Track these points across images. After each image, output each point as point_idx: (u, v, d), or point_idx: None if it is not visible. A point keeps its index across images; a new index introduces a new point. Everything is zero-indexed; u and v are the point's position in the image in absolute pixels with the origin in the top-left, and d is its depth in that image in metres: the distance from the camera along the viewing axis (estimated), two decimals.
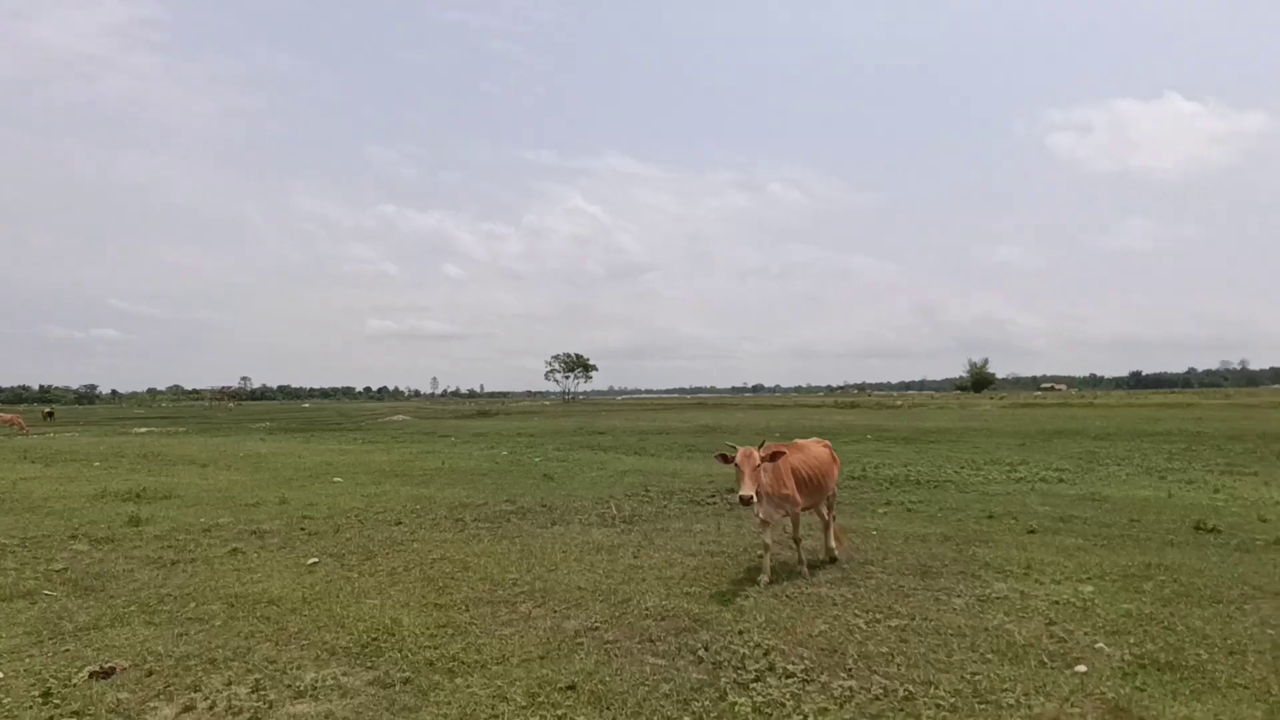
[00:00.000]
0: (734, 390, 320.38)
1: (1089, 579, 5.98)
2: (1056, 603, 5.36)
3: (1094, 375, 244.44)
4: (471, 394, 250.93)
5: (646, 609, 5.32)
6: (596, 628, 4.94)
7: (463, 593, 5.86)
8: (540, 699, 3.81)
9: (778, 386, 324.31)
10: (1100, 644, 4.50)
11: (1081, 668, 4.11)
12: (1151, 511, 9.04)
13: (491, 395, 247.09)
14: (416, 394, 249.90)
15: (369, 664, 4.34)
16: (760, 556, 6.27)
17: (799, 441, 6.84)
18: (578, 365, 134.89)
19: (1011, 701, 3.73)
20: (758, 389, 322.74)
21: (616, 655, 4.41)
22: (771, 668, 4.19)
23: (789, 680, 4.01)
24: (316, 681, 4.09)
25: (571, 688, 3.94)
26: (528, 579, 6.22)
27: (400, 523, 9.08)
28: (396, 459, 17.96)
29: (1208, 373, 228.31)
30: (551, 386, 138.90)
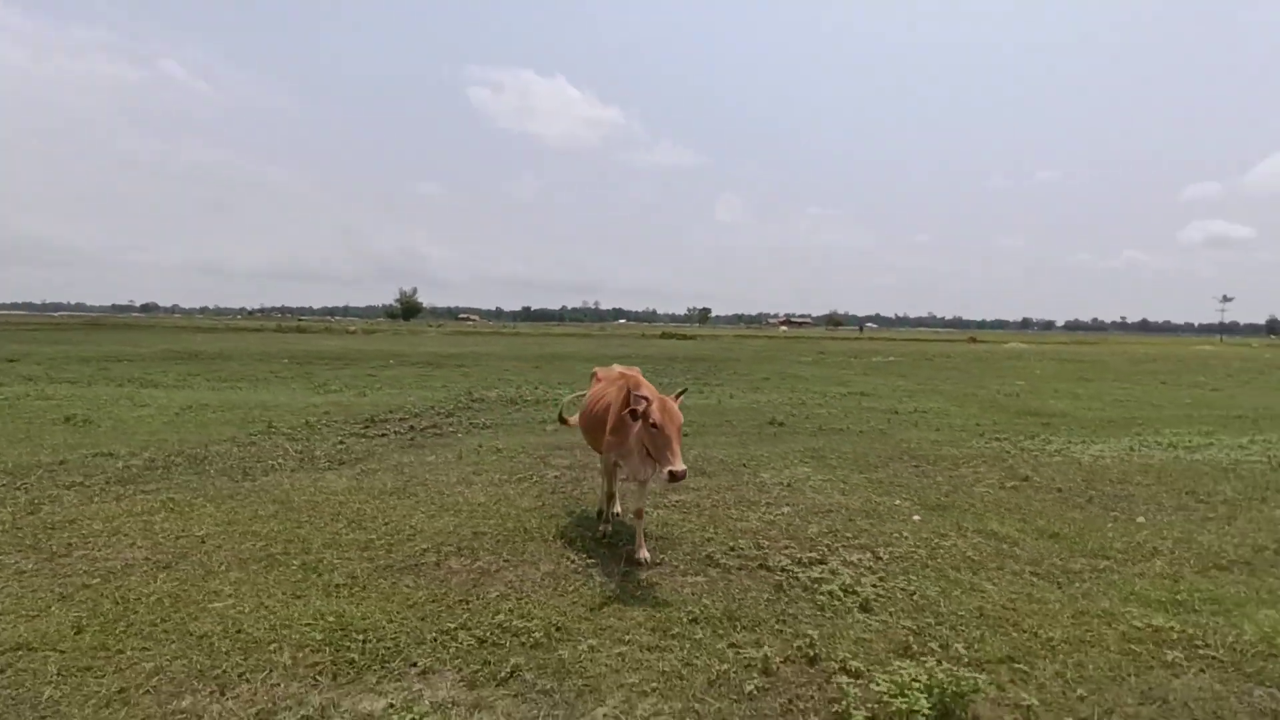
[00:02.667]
0: (116, 309, 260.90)
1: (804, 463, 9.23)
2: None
3: (499, 309, 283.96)
4: None
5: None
6: None
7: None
8: None
9: (176, 306, 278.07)
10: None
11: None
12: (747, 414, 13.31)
13: None
14: None
15: None
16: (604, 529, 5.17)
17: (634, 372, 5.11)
18: None
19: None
20: (149, 308, 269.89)
21: None
22: None
23: None
24: None
25: None
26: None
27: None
28: None
29: (574, 310, 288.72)
30: None
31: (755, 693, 3.04)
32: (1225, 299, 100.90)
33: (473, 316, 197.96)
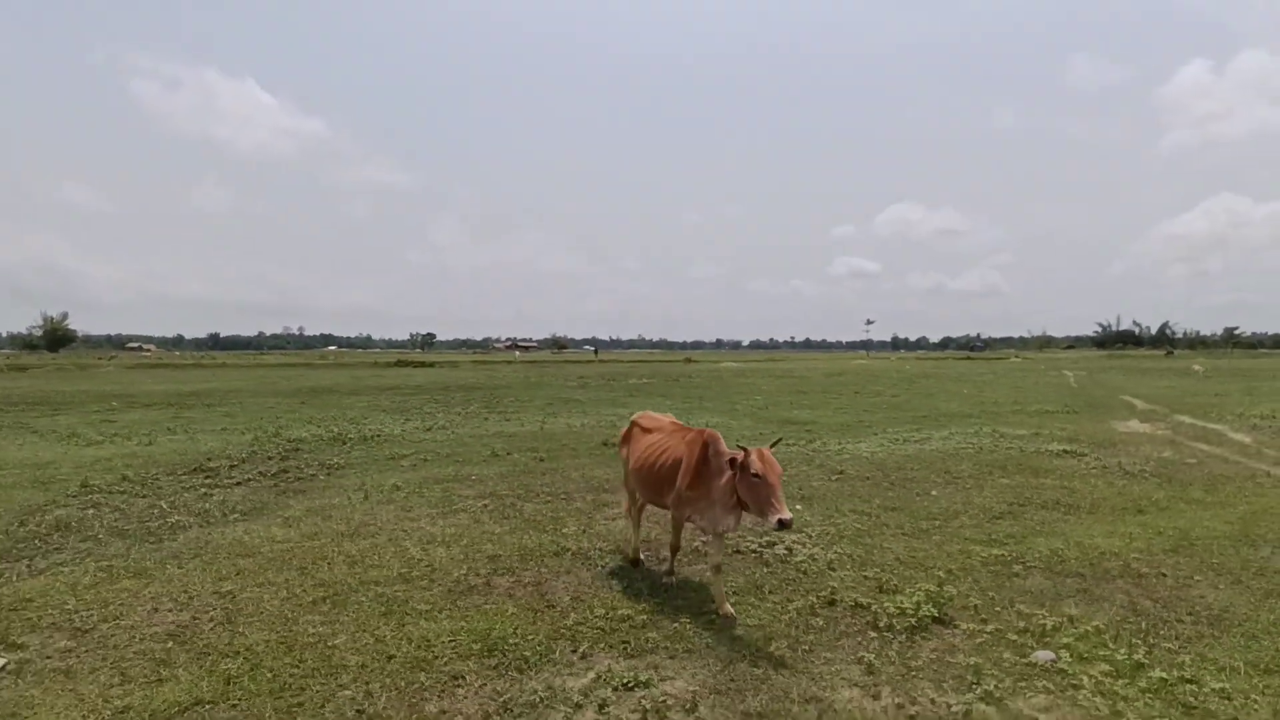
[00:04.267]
0: None
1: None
2: None
3: (180, 335, 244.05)
4: None
5: None
6: None
7: None
8: None
9: None
10: None
11: None
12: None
13: None
14: None
15: None
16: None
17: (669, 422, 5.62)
18: None
19: None
20: None
21: None
22: None
23: None
24: None
25: None
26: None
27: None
28: None
29: (274, 336, 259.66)
30: None
31: (821, 623, 4.40)
32: (869, 321, 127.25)
33: (148, 346, 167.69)
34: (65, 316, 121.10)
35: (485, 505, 7.53)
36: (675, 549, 5.16)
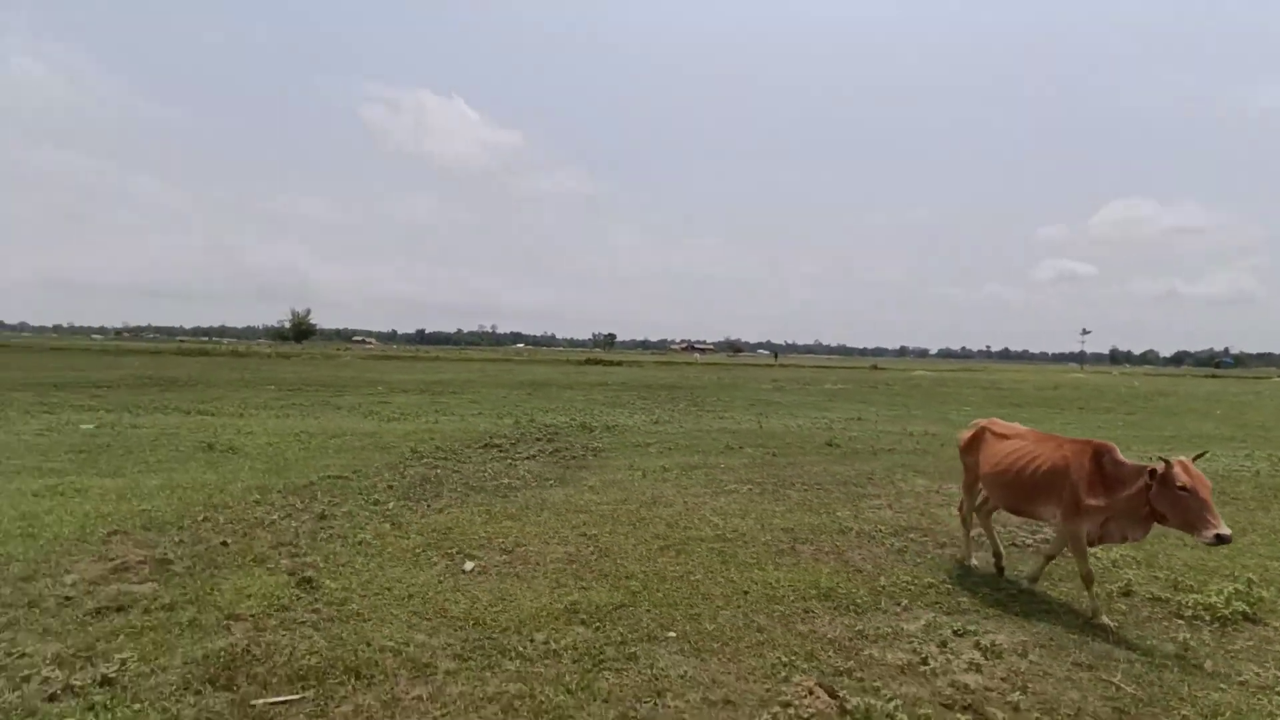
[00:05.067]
0: None
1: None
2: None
3: (394, 330, 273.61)
4: None
5: None
6: None
7: None
8: None
9: (24, 324, 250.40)
10: None
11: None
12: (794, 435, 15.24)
13: None
14: None
15: None
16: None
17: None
18: None
19: None
20: None
21: None
22: None
23: None
24: None
25: None
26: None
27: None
28: None
29: (470, 334, 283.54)
30: None
31: (1124, 608, 4.83)
32: (1085, 331, 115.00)
33: (369, 339, 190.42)
34: (308, 313, 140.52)
35: (750, 490, 8.49)
36: (1087, 577, 4.70)
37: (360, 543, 5.75)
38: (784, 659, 3.89)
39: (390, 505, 7.08)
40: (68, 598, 4.38)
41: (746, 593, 4.90)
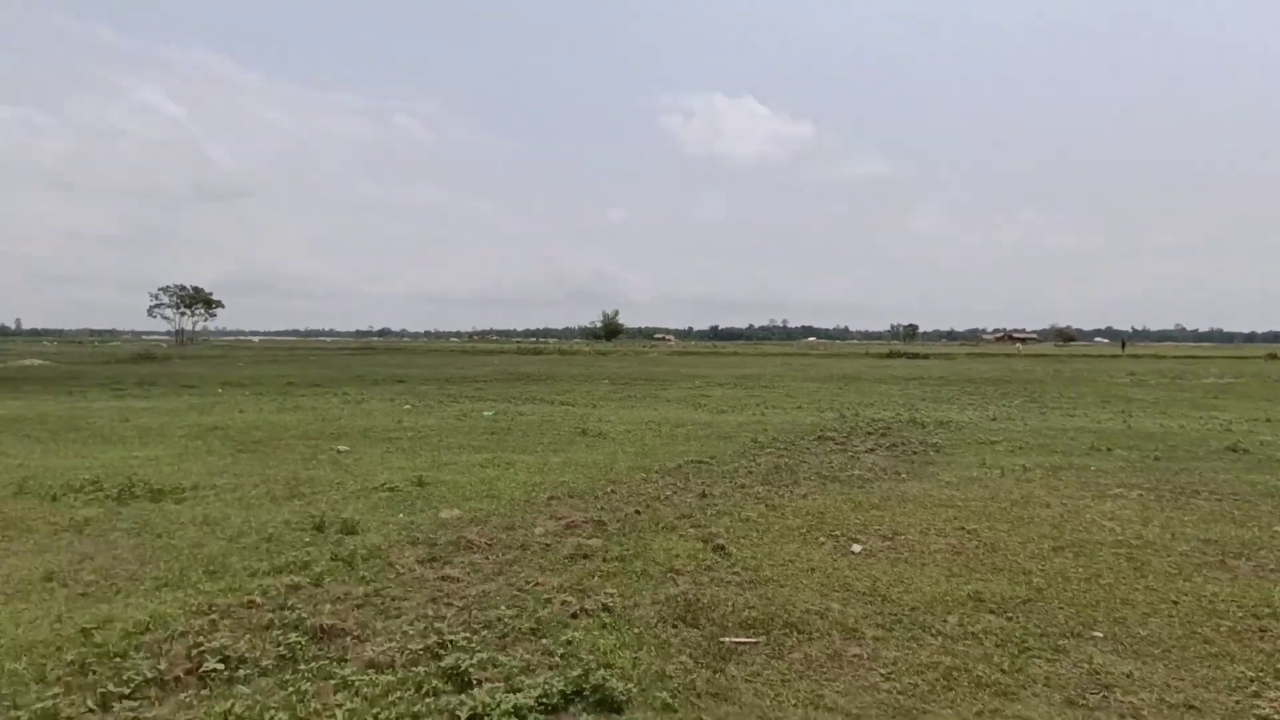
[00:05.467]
0: (358, 334, 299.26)
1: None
2: None
3: (690, 327, 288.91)
4: (3, 331, 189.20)
5: None
6: None
7: None
8: None
9: (405, 330, 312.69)
10: None
11: None
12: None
13: (35, 333, 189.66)
14: None
15: None
16: None
17: None
18: (196, 301, 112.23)
19: None
20: (384, 333, 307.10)
21: None
22: None
23: None
24: None
25: None
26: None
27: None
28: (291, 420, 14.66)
29: (761, 328, 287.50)
30: (159, 325, 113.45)
31: None
32: None
33: (668, 336, 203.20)
34: (616, 313, 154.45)
35: (1141, 495, 7.59)
36: None
37: (746, 520, 6.42)
38: (1249, 673, 3.56)
39: (756, 489, 7.73)
40: (546, 545, 5.63)
41: (1176, 603, 4.51)
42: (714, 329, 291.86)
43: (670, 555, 5.35)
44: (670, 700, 3.27)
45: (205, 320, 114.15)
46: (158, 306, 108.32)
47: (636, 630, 4.02)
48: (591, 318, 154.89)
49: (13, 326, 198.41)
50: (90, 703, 3.19)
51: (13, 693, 3.29)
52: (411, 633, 3.93)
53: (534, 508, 6.86)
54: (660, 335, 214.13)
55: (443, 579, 4.85)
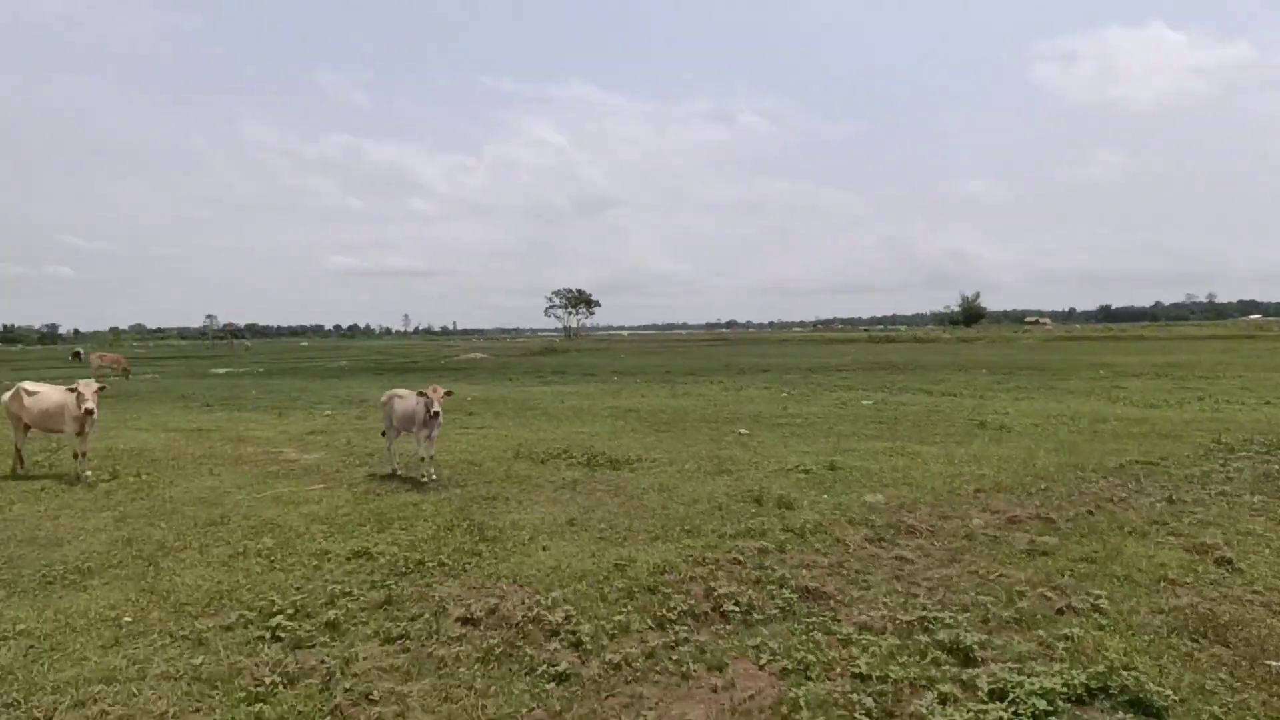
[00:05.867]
0: (707, 326, 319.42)
1: None
2: None
3: (1071, 309, 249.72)
4: (445, 331, 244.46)
5: None
6: None
7: None
8: None
9: (749, 322, 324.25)
10: None
11: None
12: None
13: (466, 332, 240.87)
14: (388, 332, 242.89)
15: None
16: None
17: None
18: (580, 301, 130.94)
19: None
20: (731, 324, 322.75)
21: None
22: None
23: None
24: None
25: None
26: None
27: None
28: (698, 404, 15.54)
29: (1174, 306, 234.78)
30: (550, 323, 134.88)
31: None
32: None
33: (1043, 319, 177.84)
34: (977, 296, 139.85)
35: None
36: None
37: (1248, 533, 5.42)
38: None
39: (1246, 498, 6.45)
40: (993, 537, 5.45)
41: None
42: (1104, 309, 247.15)
43: (1154, 563, 4.77)
44: (1221, 716, 2.95)
45: (586, 318, 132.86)
46: (551, 308, 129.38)
47: (1146, 637, 3.68)
48: (945, 302, 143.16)
49: (451, 327, 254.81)
50: (650, 621, 4.03)
51: (585, 606, 4.29)
52: (892, 604, 4.16)
53: (960, 499, 6.67)
54: (1033, 319, 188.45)
55: (897, 559, 5.01)
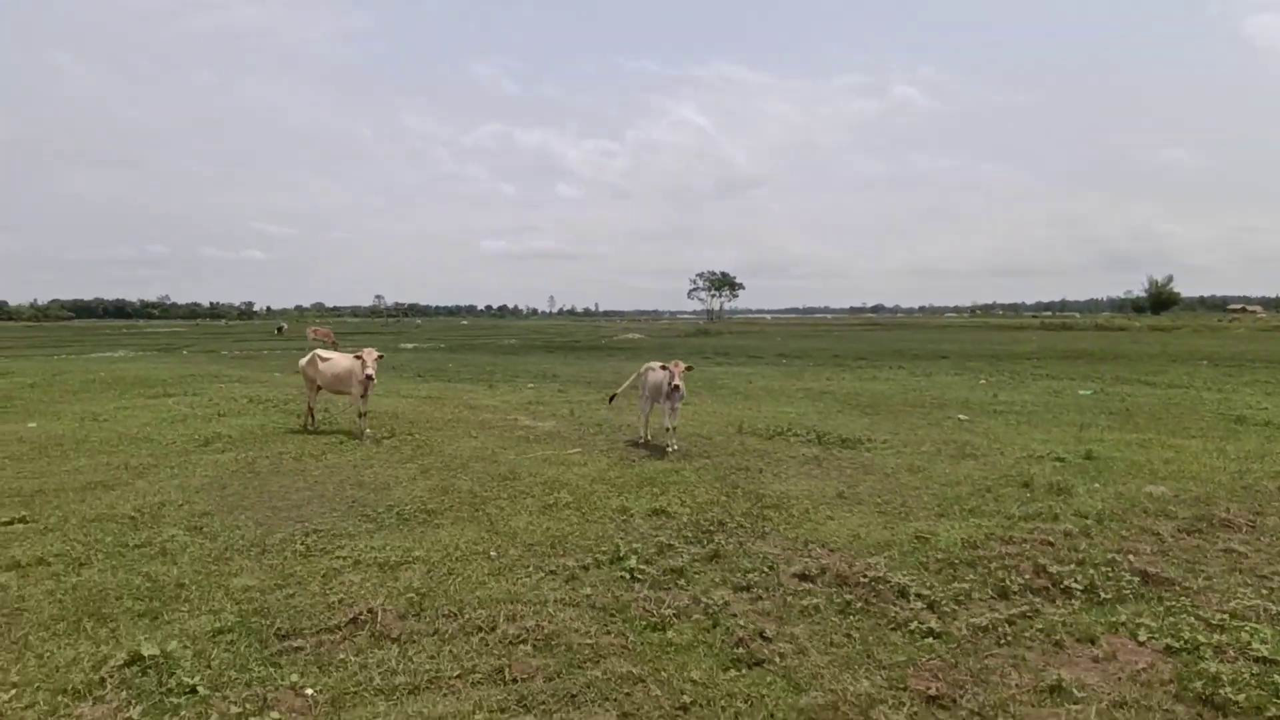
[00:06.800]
0: (852, 310, 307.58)
1: None
2: None
3: None
4: (588, 312, 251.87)
5: None
6: None
7: None
8: None
9: (898, 306, 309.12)
10: None
11: None
12: None
13: (608, 314, 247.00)
14: (534, 312, 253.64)
15: None
16: None
17: None
18: (724, 284, 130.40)
19: None
20: (877, 309, 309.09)
21: None
22: None
23: None
24: None
25: None
26: None
27: None
28: (880, 389, 14.94)
29: None
30: (693, 305, 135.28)
31: None
32: None
33: (1254, 307, 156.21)
34: (1169, 280, 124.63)
35: None
36: None
37: None
38: None
39: None
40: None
41: None
42: None
43: None
44: None
45: (729, 300, 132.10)
46: (695, 290, 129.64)
47: None
48: (1127, 286, 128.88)
49: (594, 309, 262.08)
50: (991, 591, 4.12)
51: (913, 573, 4.42)
52: (1249, 595, 3.99)
53: (1261, 495, 6.17)
54: (1239, 306, 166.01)
55: (1225, 551, 4.77)
